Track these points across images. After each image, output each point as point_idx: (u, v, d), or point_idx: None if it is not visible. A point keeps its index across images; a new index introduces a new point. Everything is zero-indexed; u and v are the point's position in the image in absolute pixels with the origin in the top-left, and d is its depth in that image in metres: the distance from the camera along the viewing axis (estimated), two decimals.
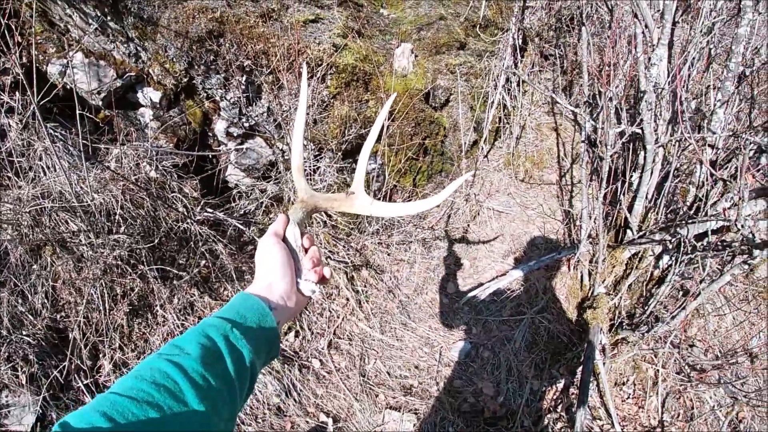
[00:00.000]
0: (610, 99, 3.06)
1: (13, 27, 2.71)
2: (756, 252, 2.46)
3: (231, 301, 0.96)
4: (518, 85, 4.60)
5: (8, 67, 2.83)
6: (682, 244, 2.92)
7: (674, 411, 3.13)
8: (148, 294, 2.95)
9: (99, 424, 0.67)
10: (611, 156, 3.19)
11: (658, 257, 3.31)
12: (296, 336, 3.32)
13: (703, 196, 3.02)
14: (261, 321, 0.93)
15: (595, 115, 3.45)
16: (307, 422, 2.93)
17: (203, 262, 3.19)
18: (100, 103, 3.35)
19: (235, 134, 3.67)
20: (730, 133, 2.87)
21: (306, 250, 1.11)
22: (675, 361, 3.23)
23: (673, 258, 3.14)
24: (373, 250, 3.82)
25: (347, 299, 3.53)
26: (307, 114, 3.41)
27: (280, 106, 3.43)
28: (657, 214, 3.33)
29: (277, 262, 1.02)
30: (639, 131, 3.07)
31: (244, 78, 3.50)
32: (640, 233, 3.36)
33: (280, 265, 1.02)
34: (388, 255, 3.89)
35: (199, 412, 0.76)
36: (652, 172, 3.20)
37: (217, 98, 3.59)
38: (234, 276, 3.23)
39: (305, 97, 1.12)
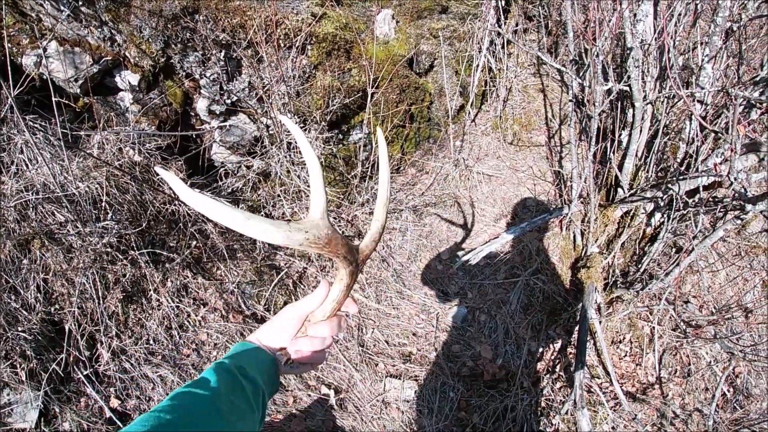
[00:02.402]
0: (597, 55, 3.01)
1: None
2: (748, 207, 2.45)
3: (232, 348, 1.03)
4: (503, 47, 4.52)
5: None
6: (674, 200, 2.92)
7: (671, 367, 3.18)
8: (141, 279, 2.94)
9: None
10: (599, 114, 3.16)
11: (650, 215, 3.32)
12: None
13: (693, 152, 3.01)
14: (258, 362, 0.99)
15: (581, 74, 3.40)
16: (309, 395, 2.96)
17: (194, 242, 3.17)
18: (78, 90, 3.26)
19: (217, 112, 3.60)
20: (719, 88, 2.84)
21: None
22: (670, 317, 3.27)
23: (665, 215, 3.14)
24: (364, 220, 3.81)
25: None
26: (289, 86, 3.35)
27: (261, 79, 3.36)
28: (647, 171, 3.32)
29: (275, 321, 1.07)
30: (627, 89, 3.03)
31: (222, 53, 3.41)
32: (631, 191, 3.36)
33: (276, 325, 1.06)
34: None
35: None
36: (641, 130, 3.18)
37: (197, 76, 3.51)
38: (226, 255, 3.21)
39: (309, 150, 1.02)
